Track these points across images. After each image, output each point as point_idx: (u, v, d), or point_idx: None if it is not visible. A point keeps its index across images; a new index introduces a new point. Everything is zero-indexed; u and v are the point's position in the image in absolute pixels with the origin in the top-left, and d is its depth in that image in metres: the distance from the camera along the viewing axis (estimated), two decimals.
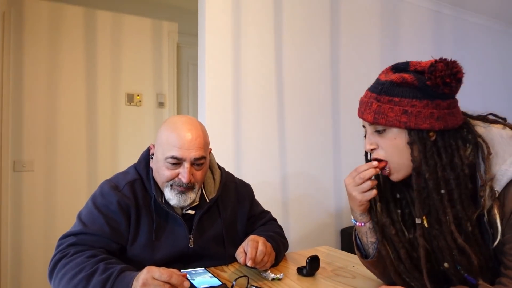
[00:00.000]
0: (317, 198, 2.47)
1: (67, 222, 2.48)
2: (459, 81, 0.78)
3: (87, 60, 2.75)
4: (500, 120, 0.85)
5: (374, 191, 0.88)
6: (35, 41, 2.56)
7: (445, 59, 0.77)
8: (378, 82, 0.85)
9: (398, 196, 0.92)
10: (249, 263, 1.00)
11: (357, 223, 0.93)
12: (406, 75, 0.80)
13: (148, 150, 1.19)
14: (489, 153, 0.77)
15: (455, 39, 3.26)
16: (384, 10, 2.83)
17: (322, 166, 2.52)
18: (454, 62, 0.77)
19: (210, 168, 1.24)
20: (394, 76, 0.82)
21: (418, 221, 0.83)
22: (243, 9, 2.20)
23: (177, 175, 1.07)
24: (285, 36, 2.36)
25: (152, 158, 1.14)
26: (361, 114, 0.87)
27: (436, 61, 0.77)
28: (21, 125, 2.49)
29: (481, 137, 0.80)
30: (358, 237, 0.99)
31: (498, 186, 0.76)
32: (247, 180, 1.37)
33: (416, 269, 0.87)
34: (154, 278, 0.82)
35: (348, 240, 2.56)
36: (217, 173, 1.25)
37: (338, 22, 2.60)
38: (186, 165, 1.05)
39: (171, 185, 1.07)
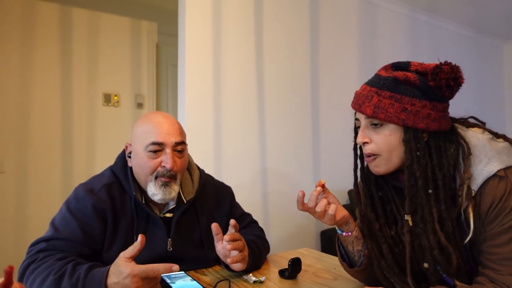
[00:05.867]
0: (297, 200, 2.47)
1: (39, 228, 2.38)
2: (459, 86, 0.80)
3: (62, 59, 2.66)
4: (479, 124, 0.88)
5: (331, 207, 0.88)
6: (6, 37, 2.46)
7: (450, 63, 0.79)
8: (379, 77, 0.86)
9: (380, 194, 0.93)
10: (226, 238, 0.99)
11: (344, 233, 0.93)
12: (409, 74, 0.81)
13: (124, 150, 1.16)
14: (469, 153, 0.79)
15: (430, 45, 3.35)
16: (361, 14, 2.88)
17: (301, 168, 2.53)
18: (458, 67, 0.79)
19: (188, 169, 1.22)
20: (397, 73, 0.82)
21: (406, 217, 0.84)
22: (223, 9, 2.19)
23: (160, 164, 1.04)
24: (265, 37, 2.37)
25: (129, 157, 1.11)
26: (357, 107, 0.86)
27: (441, 63, 0.79)
28: None
29: (463, 138, 0.82)
30: (343, 247, 0.99)
31: (475, 186, 0.79)
32: (226, 181, 1.35)
33: (397, 265, 0.88)
34: (142, 278, 0.80)
35: (328, 242, 2.58)
36: (196, 174, 1.22)
37: (317, 23, 2.63)
38: (168, 150, 1.04)
39: (156, 177, 1.04)
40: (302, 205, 0.89)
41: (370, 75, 0.95)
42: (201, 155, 2.06)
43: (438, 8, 3.22)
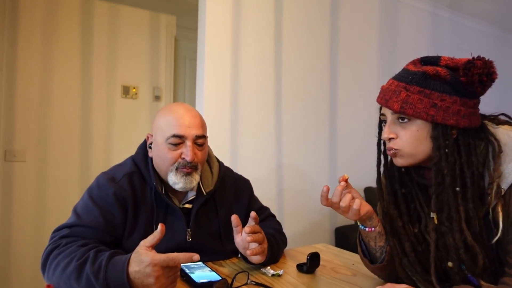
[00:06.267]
0: (312, 195, 2.46)
1: (58, 215, 2.45)
2: (492, 82, 0.78)
3: (83, 50, 2.70)
4: (511, 121, 0.86)
5: (356, 202, 0.88)
6: (30, 29, 2.50)
7: (483, 58, 0.77)
8: (407, 72, 0.84)
9: (403, 190, 0.92)
10: (246, 230, 1.00)
11: (367, 229, 0.92)
12: (439, 69, 0.79)
13: (145, 141, 1.17)
14: (500, 151, 0.77)
15: (452, 42, 3.28)
16: (382, 10, 2.83)
17: (317, 164, 2.52)
18: (491, 62, 0.77)
19: (208, 162, 1.22)
20: (427, 68, 0.80)
21: (432, 215, 0.82)
22: (243, 4, 2.18)
23: (180, 155, 1.05)
24: (285, 32, 2.35)
25: (150, 147, 1.12)
26: (384, 102, 0.84)
27: (473, 58, 0.77)
28: (14, 113, 2.44)
29: (494, 135, 0.80)
30: (364, 243, 0.98)
31: (505, 184, 0.77)
32: (242, 174, 1.35)
33: (419, 264, 0.87)
34: (163, 267, 0.81)
35: (342, 239, 2.56)
36: (215, 166, 1.23)
37: (338, 19, 2.59)
38: (188, 143, 1.05)
39: (176, 168, 1.05)
40: (326, 200, 0.88)
41: (389, 72, 0.93)
42: (218, 149, 2.06)
43: (461, 5, 3.14)
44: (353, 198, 0.88)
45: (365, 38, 2.75)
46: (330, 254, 1.27)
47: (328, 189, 0.88)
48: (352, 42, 2.67)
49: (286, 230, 2.35)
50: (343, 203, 0.86)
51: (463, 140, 0.79)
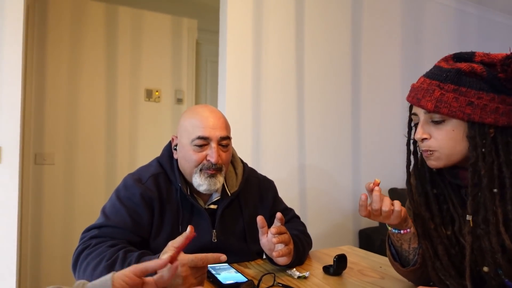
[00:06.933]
0: (335, 197, 2.44)
1: (86, 215, 2.51)
2: None
3: (108, 55, 2.77)
4: None
5: (396, 204, 0.83)
6: (58, 36, 2.59)
7: None
8: (440, 69, 0.80)
9: (435, 191, 0.88)
10: (272, 231, 0.99)
11: (402, 231, 0.88)
12: (475, 65, 0.76)
13: (170, 143, 1.18)
14: None
15: (479, 38, 3.17)
16: (406, 7, 2.77)
17: (340, 166, 2.48)
18: None
19: (232, 163, 1.22)
20: (461, 65, 0.77)
21: (468, 217, 0.78)
22: (264, 7, 2.18)
23: (205, 157, 1.06)
24: (307, 33, 2.34)
25: (175, 149, 1.13)
26: (416, 101, 0.81)
27: None
28: (43, 118, 2.53)
29: None
30: (393, 246, 0.95)
31: None
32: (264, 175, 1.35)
33: (453, 267, 0.83)
34: (191, 267, 0.81)
35: (366, 241, 2.52)
36: (240, 167, 1.23)
37: (360, 18, 2.56)
38: (213, 144, 1.05)
39: (200, 170, 1.06)
40: (366, 210, 0.83)
41: (414, 70, 0.89)
42: (240, 150, 2.06)
43: (490, 0, 3.03)
44: (392, 202, 0.84)
45: (389, 35, 2.70)
46: (356, 256, 1.24)
47: (367, 198, 0.83)
48: (375, 40, 2.63)
49: (309, 231, 2.32)
50: (385, 208, 0.82)
51: (501, 139, 0.76)
